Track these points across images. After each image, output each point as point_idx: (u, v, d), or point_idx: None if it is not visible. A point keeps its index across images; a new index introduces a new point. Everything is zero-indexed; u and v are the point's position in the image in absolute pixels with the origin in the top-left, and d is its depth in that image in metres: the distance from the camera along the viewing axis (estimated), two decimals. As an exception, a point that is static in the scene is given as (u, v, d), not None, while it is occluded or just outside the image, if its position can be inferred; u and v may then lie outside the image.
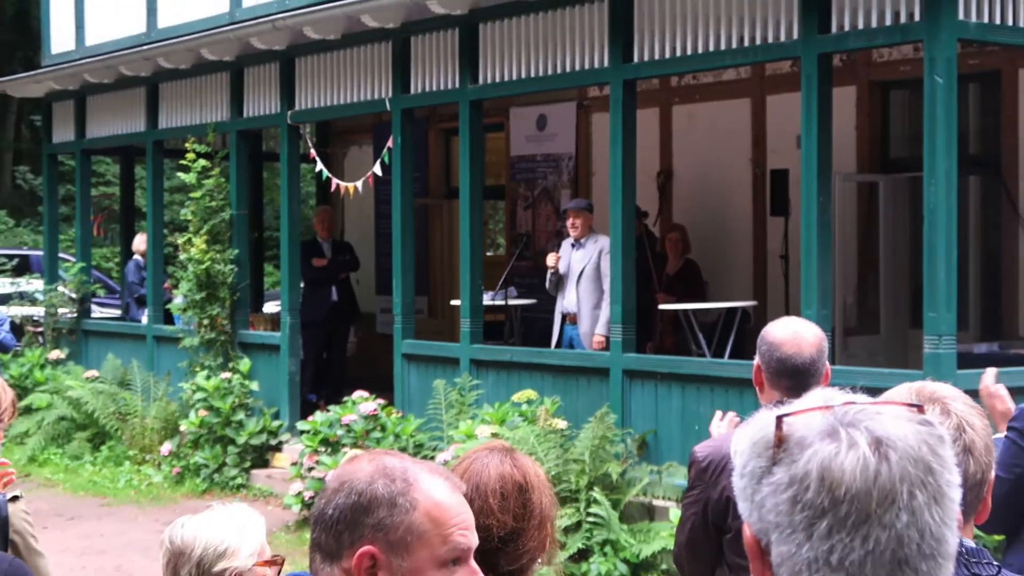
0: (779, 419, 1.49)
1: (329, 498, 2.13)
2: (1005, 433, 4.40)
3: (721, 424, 4.39)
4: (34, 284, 18.02)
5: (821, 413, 1.48)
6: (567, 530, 9.10)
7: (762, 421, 1.53)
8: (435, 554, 2.11)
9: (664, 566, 8.82)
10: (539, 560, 3.03)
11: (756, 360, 4.11)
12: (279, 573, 3.63)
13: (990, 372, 4.55)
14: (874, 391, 1.66)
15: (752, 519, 1.51)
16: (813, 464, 1.44)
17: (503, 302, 12.57)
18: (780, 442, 1.48)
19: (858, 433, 1.45)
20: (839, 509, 1.42)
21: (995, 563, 2.30)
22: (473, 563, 2.17)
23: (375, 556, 2.08)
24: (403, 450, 10.27)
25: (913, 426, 1.47)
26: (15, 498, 4.07)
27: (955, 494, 1.48)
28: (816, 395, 1.55)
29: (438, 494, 2.14)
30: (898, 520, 1.43)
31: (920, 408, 1.52)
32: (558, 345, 11.33)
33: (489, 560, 2.88)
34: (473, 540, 2.18)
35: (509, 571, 2.93)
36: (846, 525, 1.42)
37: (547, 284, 11.54)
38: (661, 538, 8.90)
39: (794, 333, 4.07)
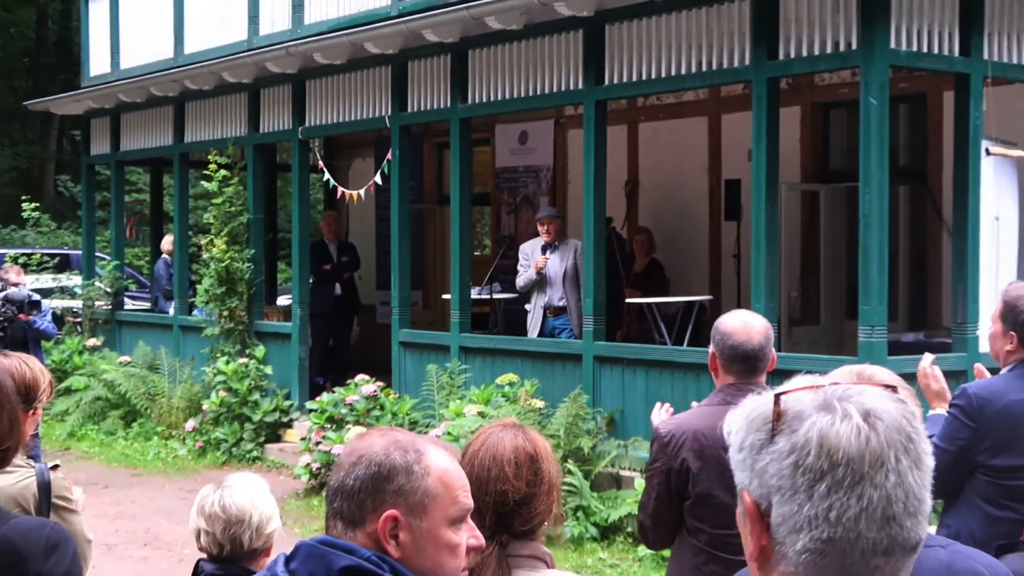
0: (777, 396, 1.50)
1: (348, 470, 2.11)
2: (943, 410, 4.45)
3: (661, 412, 4.38)
4: (74, 280, 17.97)
5: (811, 391, 1.51)
6: (545, 497, 9.08)
7: (755, 403, 1.55)
8: (447, 514, 2.13)
9: (629, 529, 8.82)
10: (546, 524, 3.04)
11: (711, 348, 4.10)
12: None
13: (927, 357, 4.58)
14: (817, 375, 1.65)
15: (752, 486, 1.51)
16: (813, 433, 1.45)
17: (488, 296, 12.56)
18: (779, 416, 1.49)
19: (850, 406, 1.47)
20: (836, 472, 1.44)
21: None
22: (470, 521, 2.20)
23: (397, 519, 2.08)
24: (400, 426, 10.24)
25: (892, 402, 1.50)
26: (55, 467, 4.09)
27: (929, 461, 1.50)
28: (803, 378, 1.57)
29: (444, 462, 2.16)
30: (887, 481, 1.45)
31: (893, 388, 1.55)
32: (540, 334, 11.31)
33: (505, 521, 2.91)
34: (472, 501, 2.20)
35: (522, 531, 2.95)
36: (843, 485, 1.44)
37: (522, 282, 11.48)
38: (627, 504, 8.90)
39: (744, 324, 4.05)
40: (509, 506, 2.93)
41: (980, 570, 2.33)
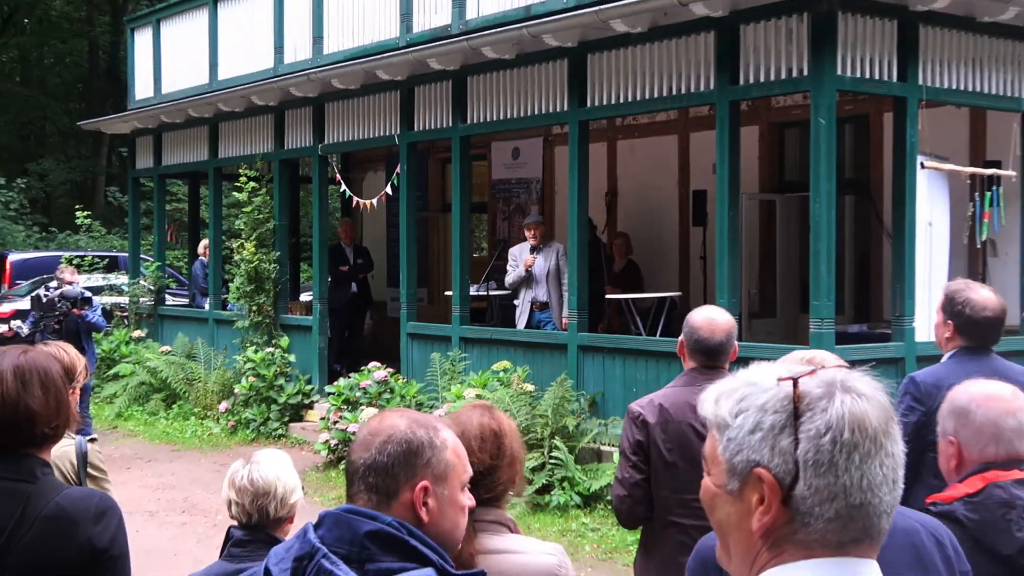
0: (795, 381, 1.47)
1: (380, 448, 2.10)
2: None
3: None
4: (121, 279, 17.93)
5: (810, 376, 1.48)
6: (534, 470, 9.09)
7: (747, 388, 1.49)
8: (461, 480, 2.17)
9: (609, 497, 8.81)
10: (511, 492, 3.04)
11: (680, 338, 4.10)
12: None
13: None
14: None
15: (773, 463, 1.44)
16: (844, 411, 1.44)
17: (485, 293, 12.55)
18: (799, 399, 1.45)
19: (862, 386, 1.47)
20: (865, 443, 1.43)
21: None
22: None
23: (428, 488, 2.10)
24: (408, 407, 10.22)
25: (876, 382, 1.51)
26: (92, 439, 4.11)
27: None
28: (807, 365, 1.53)
29: (454, 436, 2.20)
30: (894, 448, 1.46)
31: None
32: (528, 326, 11.31)
33: (471, 491, 2.90)
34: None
35: (487, 499, 2.94)
36: (871, 455, 1.44)
37: (511, 279, 11.46)
38: (607, 476, 8.90)
39: (710, 321, 4.04)
40: (474, 476, 2.93)
41: (916, 526, 2.40)
